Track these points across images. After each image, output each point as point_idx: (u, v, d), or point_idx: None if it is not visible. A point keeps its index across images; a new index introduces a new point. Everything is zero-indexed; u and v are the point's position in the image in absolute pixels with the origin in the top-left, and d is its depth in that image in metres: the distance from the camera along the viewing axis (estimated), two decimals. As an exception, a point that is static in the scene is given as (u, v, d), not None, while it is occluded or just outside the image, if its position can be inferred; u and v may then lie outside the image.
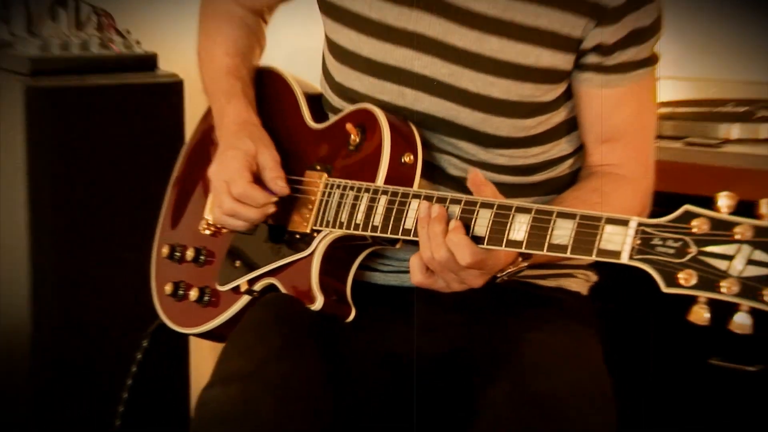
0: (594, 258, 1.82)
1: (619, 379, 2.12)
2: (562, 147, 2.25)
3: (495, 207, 1.92)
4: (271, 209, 2.18)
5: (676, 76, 2.98)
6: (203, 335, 2.35)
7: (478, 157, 2.18)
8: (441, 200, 1.96)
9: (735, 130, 2.76)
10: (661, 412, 2.76)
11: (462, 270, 1.94)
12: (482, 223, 1.92)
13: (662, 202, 2.00)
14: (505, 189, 2.00)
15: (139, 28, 3.33)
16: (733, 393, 2.69)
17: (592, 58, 2.15)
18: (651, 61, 2.19)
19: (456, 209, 1.94)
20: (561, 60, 2.14)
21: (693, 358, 2.72)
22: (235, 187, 2.16)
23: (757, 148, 2.72)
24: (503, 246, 1.90)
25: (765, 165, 2.63)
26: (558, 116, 2.22)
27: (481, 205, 1.93)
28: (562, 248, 1.85)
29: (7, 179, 3.20)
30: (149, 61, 3.21)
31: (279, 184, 2.18)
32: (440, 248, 1.91)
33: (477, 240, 1.92)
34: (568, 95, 2.21)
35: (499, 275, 2.02)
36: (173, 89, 3.15)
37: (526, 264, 2.03)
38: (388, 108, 2.17)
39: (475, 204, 1.93)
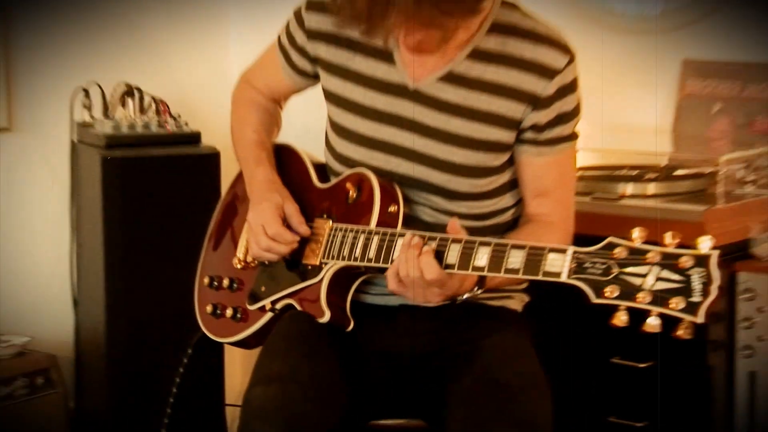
0: (540, 278, 1.83)
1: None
2: (506, 200, 2.23)
3: (463, 242, 1.93)
4: (295, 245, 2.18)
5: (587, 148, 2.98)
6: (235, 344, 2.33)
7: (445, 207, 2.17)
8: (422, 237, 1.97)
9: (629, 188, 2.75)
10: (575, 401, 2.74)
11: (426, 287, 1.95)
12: (453, 254, 1.93)
13: (575, 242, 2.00)
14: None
15: (186, 113, 3.31)
16: (629, 384, 2.68)
17: (528, 135, 2.14)
18: (573, 137, 2.18)
19: (433, 244, 1.95)
20: (505, 135, 2.13)
21: (597, 358, 2.70)
22: (269, 228, 2.16)
23: (645, 201, 2.70)
24: (470, 270, 1.91)
25: (651, 214, 2.60)
26: (503, 177, 2.20)
27: (452, 240, 1.94)
28: (515, 271, 1.86)
29: (89, 225, 3.18)
30: (194, 138, 3.19)
31: (302, 227, 2.18)
32: (414, 268, 1.93)
33: (450, 266, 1.93)
34: (511, 161, 2.19)
35: (458, 299, 2.03)
36: (212, 159, 3.13)
37: (480, 291, 2.05)
38: (377, 171, 2.16)
39: (447, 240, 1.95)
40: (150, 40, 3.52)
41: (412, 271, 1.94)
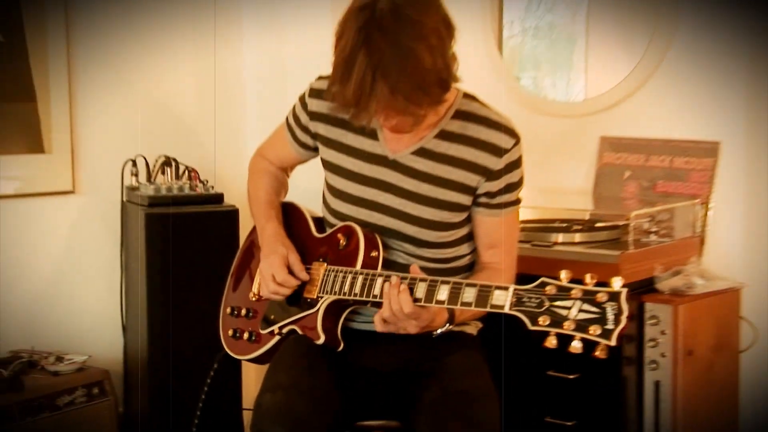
0: (488, 309, 1.84)
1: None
2: (464, 249, 2.23)
3: (428, 281, 1.94)
4: (296, 288, 2.18)
5: (527, 206, 2.98)
6: (251, 360, 2.31)
7: (415, 252, 2.17)
8: (399, 278, 1.98)
9: (560, 237, 2.75)
10: (519, 405, 2.73)
11: (405, 319, 1.95)
12: (421, 290, 1.94)
13: (518, 280, 2.00)
14: (428, 271, 2.02)
15: (212, 178, 3.31)
16: (561, 392, 2.67)
17: (482, 199, 2.15)
18: (517, 201, 2.20)
19: (405, 282, 1.96)
20: (464, 199, 2.14)
21: (537, 372, 2.69)
22: (278, 276, 2.17)
23: (573, 248, 2.70)
24: (434, 302, 1.92)
25: (578, 258, 2.63)
26: (462, 231, 2.20)
27: (420, 280, 1.95)
28: (469, 304, 1.87)
29: (135, 267, 3.16)
30: (218, 198, 3.17)
31: (303, 274, 2.18)
32: (395, 303, 1.94)
33: (418, 300, 1.94)
34: (468, 219, 2.19)
35: (434, 333, 2.05)
36: (233, 215, 3.10)
37: (452, 327, 2.07)
38: (362, 224, 2.17)
39: (415, 279, 1.96)
40: (184, 122, 3.53)
41: (393, 306, 1.94)
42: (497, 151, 2.10)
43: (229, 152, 3.53)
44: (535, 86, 3.43)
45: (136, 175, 3.27)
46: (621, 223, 2.81)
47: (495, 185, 2.13)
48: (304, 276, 2.18)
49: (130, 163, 3.27)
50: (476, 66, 3.35)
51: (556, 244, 2.73)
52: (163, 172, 3.22)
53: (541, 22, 3.47)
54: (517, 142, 2.12)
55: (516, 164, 2.13)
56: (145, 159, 3.28)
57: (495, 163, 2.10)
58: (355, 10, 1.91)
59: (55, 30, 3.14)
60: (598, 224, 2.85)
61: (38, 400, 2.89)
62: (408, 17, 1.87)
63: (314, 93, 2.23)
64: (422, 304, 1.94)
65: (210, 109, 3.57)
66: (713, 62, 2.95)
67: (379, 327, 2.01)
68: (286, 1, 3.42)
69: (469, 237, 2.23)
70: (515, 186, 2.16)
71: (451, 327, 2.07)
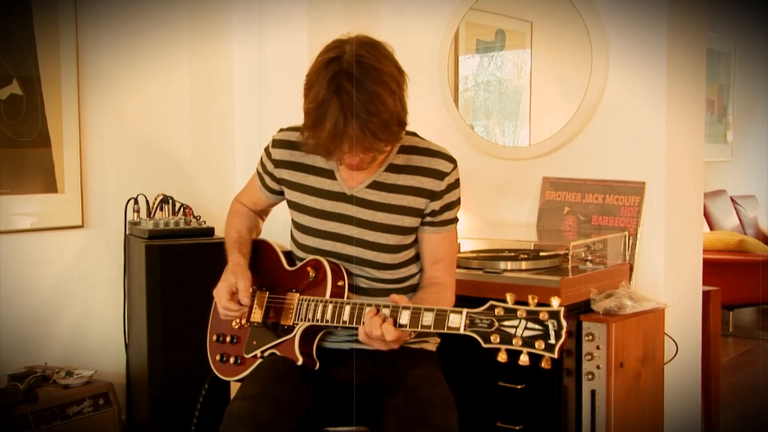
0: (445, 331, 1.83)
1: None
2: (414, 268, 2.23)
3: (390, 307, 1.93)
4: (244, 311, 2.16)
5: (480, 238, 2.99)
6: (237, 380, 2.25)
7: (374, 275, 2.17)
8: (377, 306, 1.96)
9: (509, 265, 2.74)
10: (474, 412, 2.70)
11: (387, 345, 1.94)
12: (405, 317, 1.92)
13: (473, 304, 1.98)
14: (387, 291, 2.07)
15: (204, 214, 3.30)
16: (511, 400, 2.64)
17: (427, 219, 2.16)
18: (456, 220, 2.20)
19: (387, 311, 1.94)
20: (414, 222, 2.15)
21: (488, 382, 2.66)
22: (220, 302, 2.15)
23: (520, 274, 2.69)
24: (396, 327, 1.90)
25: (524, 282, 2.62)
26: (412, 252, 2.20)
27: (383, 306, 1.94)
28: (428, 327, 1.86)
29: (136, 292, 3.12)
30: (209, 232, 3.15)
31: (244, 300, 2.14)
32: (376, 328, 1.91)
33: (401, 326, 1.91)
34: (415, 240, 2.20)
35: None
36: (221, 246, 2.98)
37: (411, 337, 2.04)
38: (327, 254, 2.16)
39: (379, 306, 1.95)
40: (180, 165, 3.52)
41: (377, 332, 1.91)
42: (439, 175, 2.12)
43: (219, 192, 3.52)
44: (487, 133, 3.43)
45: (138, 211, 3.24)
46: (561, 252, 2.82)
47: (438, 204, 2.14)
48: (245, 302, 2.14)
49: (132, 200, 3.25)
50: (437, 115, 3.37)
51: (505, 270, 2.72)
52: (161, 209, 3.20)
53: (491, 77, 3.49)
54: (455, 166, 2.15)
55: (455, 185, 2.15)
56: (145, 197, 3.26)
57: (438, 185, 2.12)
58: (324, 63, 1.92)
59: (67, 84, 3.14)
60: (542, 253, 2.86)
61: (51, 409, 2.85)
62: (371, 66, 1.90)
63: (277, 143, 2.23)
64: (407, 329, 1.93)
65: (203, 154, 3.57)
66: (639, 114, 2.97)
67: (362, 339, 1.98)
68: (274, 61, 3.41)
69: (417, 258, 2.23)
70: (454, 204, 2.17)
71: (411, 338, 2.05)
